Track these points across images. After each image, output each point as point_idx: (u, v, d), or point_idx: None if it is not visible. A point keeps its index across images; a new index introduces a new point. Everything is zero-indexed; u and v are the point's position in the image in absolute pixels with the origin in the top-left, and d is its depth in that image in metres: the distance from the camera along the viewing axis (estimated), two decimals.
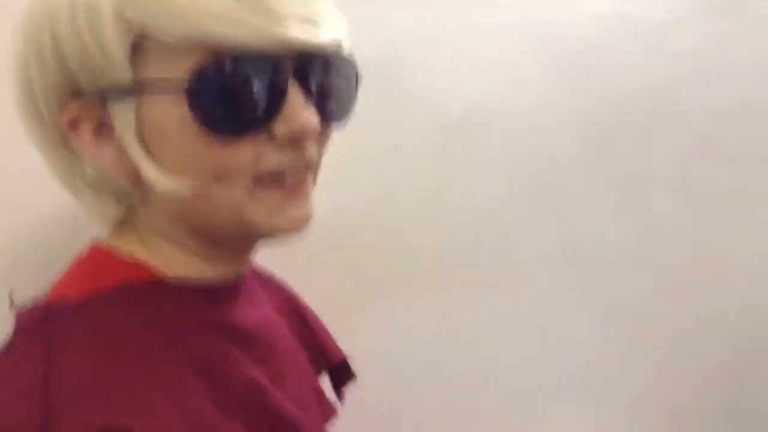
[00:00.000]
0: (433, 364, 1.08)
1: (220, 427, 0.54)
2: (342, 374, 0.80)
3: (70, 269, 0.60)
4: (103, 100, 0.54)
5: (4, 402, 0.50)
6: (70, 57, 0.53)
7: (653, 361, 1.30)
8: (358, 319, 1.01)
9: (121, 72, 0.52)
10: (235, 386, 0.57)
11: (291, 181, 0.56)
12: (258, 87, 0.52)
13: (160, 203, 0.57)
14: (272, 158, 0.55)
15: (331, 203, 0.77)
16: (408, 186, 1.03)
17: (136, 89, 0.52)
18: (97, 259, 0.60)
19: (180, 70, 0.51)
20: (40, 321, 0.53)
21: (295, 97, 0.54)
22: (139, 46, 0.52)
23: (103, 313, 0.54)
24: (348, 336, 0.82)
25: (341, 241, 0.99)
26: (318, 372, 0.76)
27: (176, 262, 0.59)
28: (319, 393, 0.72)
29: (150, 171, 0.54)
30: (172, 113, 0.52)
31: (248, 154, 0.54)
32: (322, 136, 0.59)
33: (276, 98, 0.53)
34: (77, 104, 0.55)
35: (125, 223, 0.61)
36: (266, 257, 0.71)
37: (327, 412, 0.72)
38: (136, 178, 0.56)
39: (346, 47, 0.59)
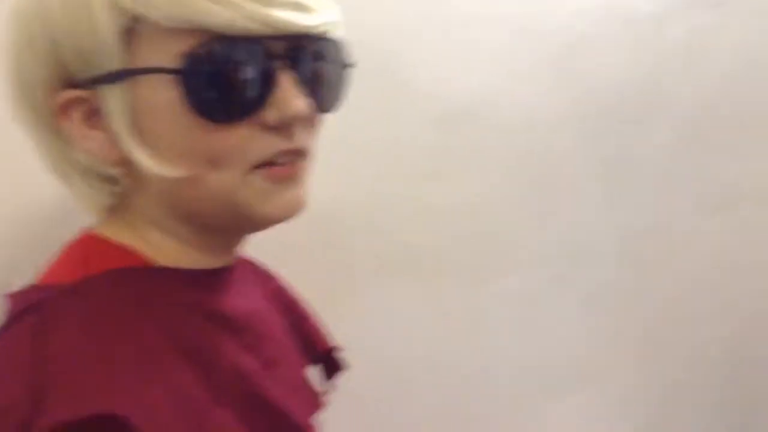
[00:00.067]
0: (425, 355, 1.08)
1: (210, 413, 0.54)
2: (332, 364, 0.80)
3: (60, 256, 0.60)
4: (94, 85, 0.54)
5: None
6: (61, 42, 0.53)
7: (650, 354, 1.30)
8: (351, 311, 1.01)
9: (113, 56, 0.52)
10: (224, 372, 0.57)
11: (282, 165, 0.56)
12: (249, 71, 0.53)
13: (152, 190, 0.57)
14: (263, 142, 0.55)
15: (325, 194, 0.78)
16: (402, 178, 1.03)
17: (128, 74, 0.52)
18: (87, 245, 0.60)
19: (172, 54, 0.51)
20: (29, 304, 0.53)
21: (286, 82, 0.54)
22: (131, 30, 0.52)
23: (93, 296, 0.54)
24: (340, 327, 0.82)
25: (335, 232, 0.99)
26: (308, 361, 0.76)
27: (167, 249, 0.59)
28: (308, 382, 0.72)
29: (141, 156, 0.54)
30: (163, 97, 0.52)
31: (239, 138, 0.54)
32: (313, 122, 0.59)
33: (267, 82, 0.53)
34: (68, 90, 0.55)
35: (116, 210, 0.61)
36: (259, 248, 0.71)
37: (315, 401, 0.72)
38: (127, 165, 0.56)
39: (338, 35, 0.59)
